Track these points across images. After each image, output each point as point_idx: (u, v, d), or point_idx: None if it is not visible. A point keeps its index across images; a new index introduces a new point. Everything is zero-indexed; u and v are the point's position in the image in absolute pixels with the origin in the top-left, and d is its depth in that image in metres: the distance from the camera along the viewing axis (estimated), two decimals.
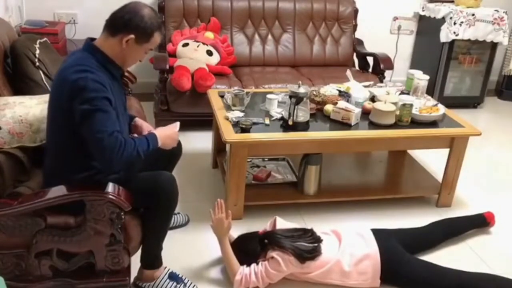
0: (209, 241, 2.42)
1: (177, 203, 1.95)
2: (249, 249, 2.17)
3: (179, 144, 2.26)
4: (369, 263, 2.14)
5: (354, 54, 4.23)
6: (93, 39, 1.87)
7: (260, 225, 2.35)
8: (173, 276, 2.07)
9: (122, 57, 1.85)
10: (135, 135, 2.13)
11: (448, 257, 2.41)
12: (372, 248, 2.17)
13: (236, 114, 2.60)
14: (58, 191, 1.75)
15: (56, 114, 1.82)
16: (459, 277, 2.15)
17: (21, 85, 2.35)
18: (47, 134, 1.91)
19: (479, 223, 2.64)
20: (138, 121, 2.18)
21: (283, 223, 2.30)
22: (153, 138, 1.90)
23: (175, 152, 2.25)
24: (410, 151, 3.29)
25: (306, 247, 2.11)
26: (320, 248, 2.13)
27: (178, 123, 2.09)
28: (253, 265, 2.12)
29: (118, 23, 1.79)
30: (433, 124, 2.72)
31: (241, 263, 2.13)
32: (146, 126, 2.17)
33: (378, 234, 2.24)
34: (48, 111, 1.87)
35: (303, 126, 2.53)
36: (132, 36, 1.78)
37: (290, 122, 2.48)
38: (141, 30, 1.79)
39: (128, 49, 1.81)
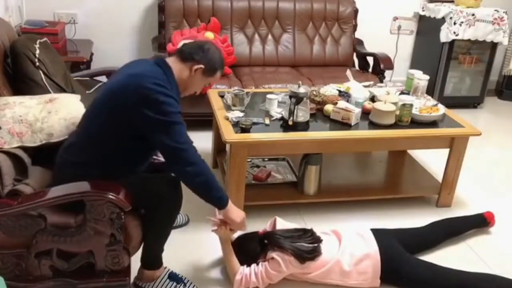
0: (209, 241, 2.42)
1: (181, 206, 1.95)
2: (249, 249, 2.17)
3: None
4: (369, 263, 2.14)
5: (354, 54, 4.23)
6: (164, 57, 1.97)
7: (260, 225, 2.34)
8: (173, 276, 2.07)
9: (185, 84, 1.97)
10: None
11: (448, 257, 2.41)
12: (372, 248, 2.17)
13: (236, 114, 2.60)
14: (58, 191, 1.75)
15: (113, 113, 1.82)
16: (459, 277, 2.15)
17: (21, 85, 2.34)
18: (85, 124, 1.92)
19: (479, 223, 2.64)
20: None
21: (283, 223, 2.29)
22: (225, 196, 1.98)
23: None
24: (410, 151, 3.29)
25: (306, 247, 2.11)
26: (320, 248, 2.13)
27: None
28: (253, 266, 2.12)
29: (193, 53, 1.94)
30: (433, 124, 2.72)
31: (241, 263, 2.13)
32: None
33: (378, 234, 2.24)
34: (97, 104, 1.89)
35: (303, 126, 2.53)
36: (202, 66, 1.93)
37: (290, 122, 2.48)
38: (211, 64, 1.96)
39: (194, 77, 1.95)
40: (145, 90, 1.76)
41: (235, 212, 2.01)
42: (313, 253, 2.11)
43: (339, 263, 2.13)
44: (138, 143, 1.87)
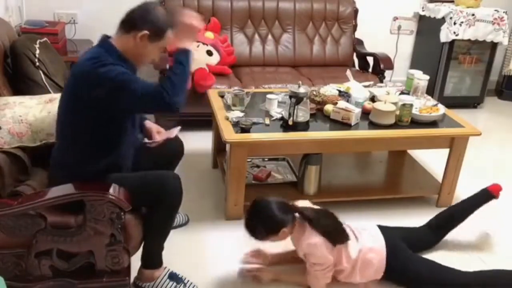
0: (209, 241, 2.43)
1: (181, 204, 1.94)
2: (276, 215, 2.04)
3: (180, 143, 2.27)
4: (375, 256, 2.14)
5: (354, 54, 4.23)
6: (108, 37, 1.89)
7: None
8: (173, 276, 2.07)
9: (136, 55, 1.87)
10: (146, 139, 2.15)
11: (448, 257, 2.41)
12: (379, 243, 2.17)
13: (236, 114, 2.60)
14: (58, 191, 1.75)
15: (74, 106, 1.82)
16: (464, 276, 2.15)
17: (21, 85, 2.35)
18: (58, 128, 1.92)
19: (485, 199, 2.51)
20: (147, 123, 2.20)
21: (303, 203, 2.24)
22: (181, 54, 1.88)
23: (177, 151, 2.26)
24: (410, 151, 3.29)
25: (335, 228, 2.10)
26: (347, 233, 2.12)
27: (178, 128, 2.09)
28: (308, 273, 2.12)
29: (132, 20, 1.83)
30: (433, 124, 2.72)
31: (255, 228, 2.06)
32: (155, 128, 2.19)
33: (383, 230, 2.24)
34: (60, 105, 1.88)
35: (303, 126, 2.54)
36: (146, 32, 1.80)
37: (290, 122, 2.48)
38: (155, 27, 1.82)
39: (141, 46, 1.83)
40: (89, 73, 1.74)
41: (185, 32, 1.91)
42: (343, 235, 2.10)
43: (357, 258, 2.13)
44: (111, 127, 1.85)
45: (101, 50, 1.83)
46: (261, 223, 2.04)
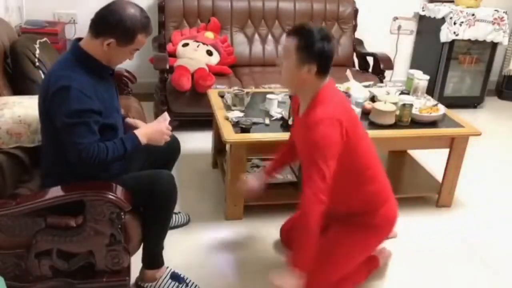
0: (210, 241, 2.43)
1: (176, 202, 1.95)
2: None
3: (176, 141, 2.26)
4: None
5: (354, 54, 4.23)
6: (80, 39, 1.85)
7: (260, 225, 2.34)
8: (175, 276, 2.07)
9: (107, 59, 1.82)
10: None
11: (449, 257, 2.41)
12: None
13: (236, 114, 2.60)
14: (58, 191, 1.75)
15: (44, 117, 1.82)
16: None
17: (21, 85, 2.35)
18: (42, 134, 1.91)
19: None
20: (129, 120, 2.15)
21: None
22: (130, 138, 1.85)
23: (173, 150, 2.25)
24: (410, 151, 3.29)
25: None
26: None
27: (165, 114, 2.02)
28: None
29: (100, 25, 1.76)
30: (433, 124, 2.72)
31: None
32: (141, 124, 2.14)
33: None
34: (38, 113, 1.86)
35: None
36: (112, 40, 1.74)
37: (290, 122, 2.48)
38: (123, 33, 1.74)
39: (110, 51, 1.77)
40: (52, 90, 1.71)
41: (155, 135, 1.92)
42: None
43: None
44: None
45: (72, 58, 1.79)
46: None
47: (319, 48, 1.75)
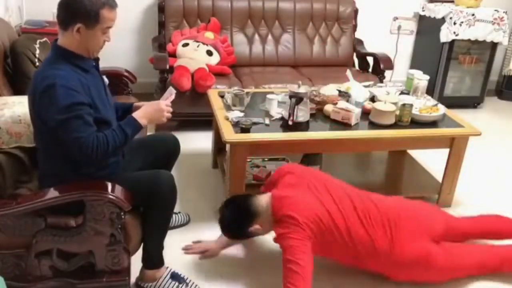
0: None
1: (176, 202, 1.95)
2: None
3: (176, 140, 2.26)
4: None
5: (354, 54, 4.23)
6: (57, 39, 1.84)
7: None
8: (175, 276, 2.07)
9: (84, 47, 1.80)
10: None
11: None
12: None
13: (236, 114, 2.60)
14: (58, 191, 1.75)
15: (36, 121, 1.81)
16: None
17: (21, 85, 2.35)
18: (35, 137, 1.90)
19: None
20: (137, 104, 2.13)
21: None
22: (129, 122, 1.85)
23: (173, 150, 2.26)
24: (410, 151, 3.29)
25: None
26: None
27: (171, 89, 2.01)
28: None
29: (63, 16, 1.76)
30: (433, 124, 2.72)
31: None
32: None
33: None
34: (30, 117, 1.86)
35: (303, 126, 2.53)
36: (80, 25, 1.73)
37: (290, 122, 2.48)
38: (85, 14, 1.73)
39: (82, 38, 1.76)
40: (38, 92, 1.71)
41: (155, 115, 1.92)
42: None
43: None
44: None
45: (53, 58, 1.79)
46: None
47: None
